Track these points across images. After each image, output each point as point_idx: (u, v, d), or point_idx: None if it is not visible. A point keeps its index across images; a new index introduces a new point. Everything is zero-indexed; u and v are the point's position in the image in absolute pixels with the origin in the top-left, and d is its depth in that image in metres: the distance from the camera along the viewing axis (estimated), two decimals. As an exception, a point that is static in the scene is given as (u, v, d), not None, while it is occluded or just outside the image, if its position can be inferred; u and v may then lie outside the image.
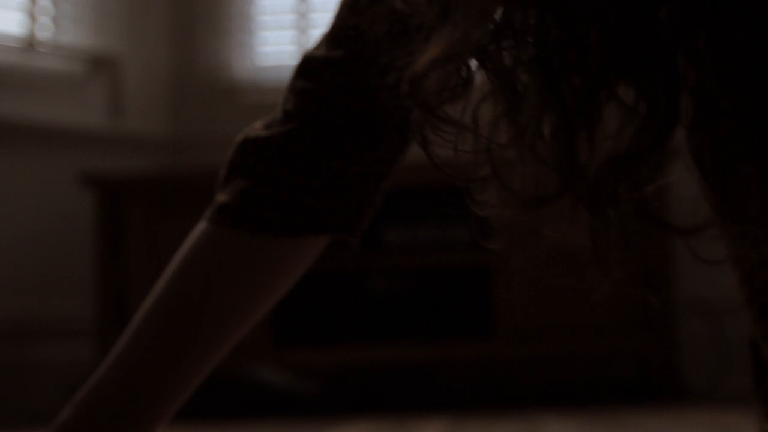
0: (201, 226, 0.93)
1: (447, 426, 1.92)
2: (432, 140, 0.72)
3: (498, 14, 0.61)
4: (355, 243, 0.92)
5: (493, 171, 0.70)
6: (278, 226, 0.89)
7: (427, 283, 2.54)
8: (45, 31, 2.80)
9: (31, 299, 2.70)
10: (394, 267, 2.50)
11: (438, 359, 2.52)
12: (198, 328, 0.90)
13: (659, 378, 2.39)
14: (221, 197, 0.92)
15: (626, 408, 2.12)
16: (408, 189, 2.57)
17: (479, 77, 0.68)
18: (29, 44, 2.77)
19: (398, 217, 2.55)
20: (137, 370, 0.88)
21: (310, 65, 0.93)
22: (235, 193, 0.91)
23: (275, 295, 0.94)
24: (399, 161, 0.95)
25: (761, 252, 0.81)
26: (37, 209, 2.74)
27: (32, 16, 2.77)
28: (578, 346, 2.43)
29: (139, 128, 2.95)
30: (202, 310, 0.90)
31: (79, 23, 2.87)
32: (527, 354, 2.43)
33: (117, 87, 2.91)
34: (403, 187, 2.56)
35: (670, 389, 2.37)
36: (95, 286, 2.51)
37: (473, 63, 0.68)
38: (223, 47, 3.04)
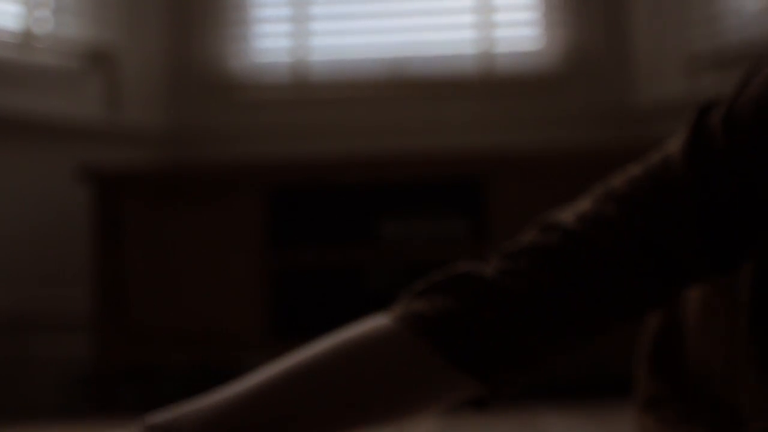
0: (383, 320, 0.92)
1: (443, 420, 1.92)
2: None
3: None
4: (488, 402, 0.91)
5: None
6: (459, 354, 0.87)
7: (422, 277, 2.54)
8: (42, 25, 2.79)
9: (28, 293, 2.70)
10: (390, 260, 2.51)
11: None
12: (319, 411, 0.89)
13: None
14: (420, 304, 0.91)
15: (622, 401, 2.12)
16: (404, 183, 2.57)
17: None
18: (26, 38, 2.77)
19: (394, 211, 2.55)
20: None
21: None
22: (438, 308, 0.89)
23: (395, 417, 0.91)
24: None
25: None
26: (35, 203, 2.74)
27: (29, 10, 2.77)
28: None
29: (137, 122, 2.95)
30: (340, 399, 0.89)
31: (77, 17, 2.86)
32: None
33: (114, 81, 2.91)
34: (401, 181, 2.56)
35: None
36: (92, 280, 2.51)
37: None
38: (221, 41, 3.04)
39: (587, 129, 2.90)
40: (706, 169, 0.83)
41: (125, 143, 2.90)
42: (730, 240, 0.83)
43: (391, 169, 2.54)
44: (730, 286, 0.95)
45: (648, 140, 2.75)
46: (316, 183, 2.55)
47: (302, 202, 2.57)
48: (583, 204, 0.95)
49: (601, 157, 2.50)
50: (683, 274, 0.85)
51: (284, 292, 2.51)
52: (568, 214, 0.94)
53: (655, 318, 1.10)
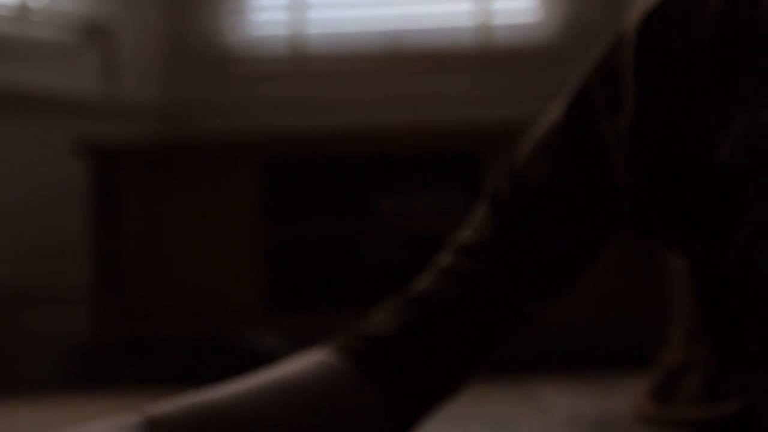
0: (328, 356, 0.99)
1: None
2: None
3: None
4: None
5: None
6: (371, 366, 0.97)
7: (422, 250, 2.54)
8: (38, -2, 2.78)
9: (26, 267, 2.70)
10: (389, 233, 2.51)
11: (433, 326, 2.52)
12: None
13: (654, 344, 2.39)
14: (363, 345, 1.01)
15: (621, 374, 2.13)
16: (402, 156, 2.56)
17: None
18: (22, 11, 2.75)
19: (393, 184, 2.54)
20: None
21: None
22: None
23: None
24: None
25: None
26: (32, 177, 2.74)
27: (25, -17, 2.76)
28: (573, 312, 2.43)
29: (134, 96, 2.94)
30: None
31: (72, -10, 2.85)
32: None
33: (111, 54, 2.90)
34: (399, 154, 2.56)
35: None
36: (89, 254, 2.51)
37: None
38: (218, 14, 3.03)
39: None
40: (508, 237, 1.00)
41: (122, 117, 2.90)
42: (557, 269, 0.99)
43: (389, 142, 2.53)
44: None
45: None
46: (314, 156, 2.54)
47: (300, 176, 2.56)
48: (444, 257, 1.09)
49: (599, 130, 2.50)
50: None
51: (282, 265, 2.51)
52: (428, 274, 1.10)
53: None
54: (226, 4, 3.03)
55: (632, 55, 0.92)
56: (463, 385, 1.01)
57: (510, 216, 1.02)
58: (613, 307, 2.43)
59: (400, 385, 0.94)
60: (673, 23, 0.91)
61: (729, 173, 0.81)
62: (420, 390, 0.94)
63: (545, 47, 2.96)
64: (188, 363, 2.84)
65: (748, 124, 0.81)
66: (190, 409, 0.88)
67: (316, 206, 2.55)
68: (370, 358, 0.93)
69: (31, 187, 2.73)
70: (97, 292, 2.49)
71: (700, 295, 1.02)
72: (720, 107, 0.84)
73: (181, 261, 2.50)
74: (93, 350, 2.48)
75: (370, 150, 2.53)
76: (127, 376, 2.66)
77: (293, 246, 2.53)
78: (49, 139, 2.74)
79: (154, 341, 2.75)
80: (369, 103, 2.94)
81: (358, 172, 2.57)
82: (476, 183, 2.50)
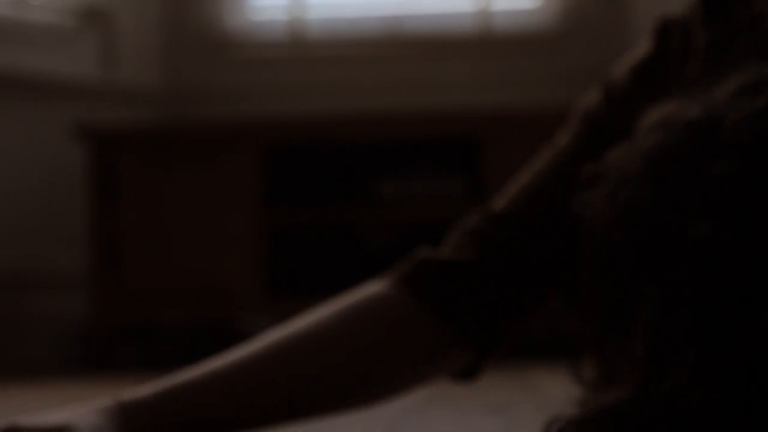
0: (378, 285, 0.93)
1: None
2: None
3: None
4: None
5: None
6: (449, 309, 0.89)
7: (420, 236, 2.55)
8: (37, -18, 2.77)
9: (24, 252, 2.70)
10: (388, 219, 2.51)
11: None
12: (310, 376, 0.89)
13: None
14: (428, 271, 0.92)
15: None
16: (402, 142, 2.56)
17: None
18: (21, -5, 2.75)
19: (392, 170, 2.55)
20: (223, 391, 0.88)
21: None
22: (430, 269, 0.92)
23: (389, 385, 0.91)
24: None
25: None
26: (31, 162, 2.73)
27: (24, -33, 2.75)
28: (570, 298, 2.44)
29: (133, 80, 2.93)
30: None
31: (72, -26, 2.84)
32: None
33: (110, 39, 2.90)
34: (398, 140, 2.56)
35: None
36: (89, 239, 2.52)
37: None
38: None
39: (584, 88, 2.88)
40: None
41: (121, 102, 2.89)
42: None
43: (388, 127, 2.53)
44: None
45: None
46: (313, 142, 2.54)
47: (299, 161, 2.57)
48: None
49: (598, 117, 2.50)
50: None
51: (281, 250, 2.52)
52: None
53: None
54: (225, -12, 3.02)
55: None
56: (528, 315, 0.94)
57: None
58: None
59: (462, 309, 0.89)
60: None
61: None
62: (482, 317, 0.89)
63: (544, 33, 2.95)
64: (187, 347, 2.85)
65: None
66: (162, 392, 0.87)
67: (315, 191, 2.55)
68: (431, 285, 0.90)
69: (30, 172, 2.73)
70: (95, 277, 2.49)
71: None
72: None
73: (180, 246, 2.50)
74: (92, 335, 2.49)
75: (370, 135, 2.53)
76: (126, 360, 2.67)
77: (292, 231, 2.53)
78: (48, 124, 2.74)
79: (153, 326, 2.75)
80: (368, 89, 2.94)
81: (358, 158, 2.57)
82: (475, 169, 2.51)
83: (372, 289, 0.92)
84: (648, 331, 0.68)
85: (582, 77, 2.91)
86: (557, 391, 1.59)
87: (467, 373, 0.91)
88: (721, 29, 0.88)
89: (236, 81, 2.99)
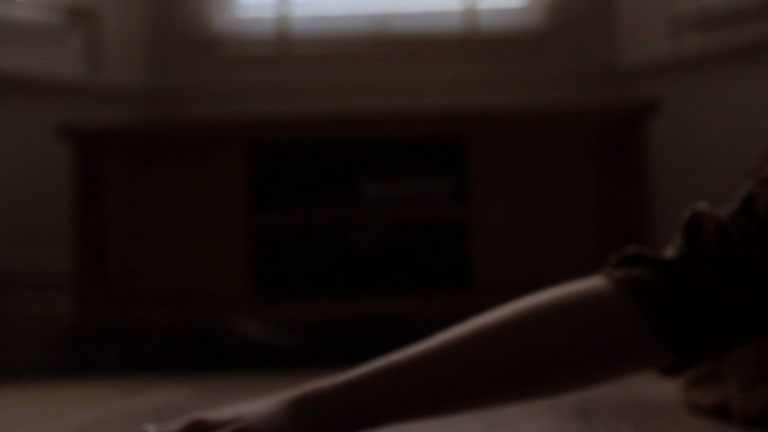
0: (597, 280, 0.90)
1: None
2: None
3: None
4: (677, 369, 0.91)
5: None
6: (667, 322, 0.86)
7: (406, 236, 2.55)
8: (21, -19, 2.76)
9: (8, 252, 2.69)
10: (374, 220, 2.50)
11: (417, 312, 2.53)
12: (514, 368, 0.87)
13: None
14: (636, 270, 0.88)
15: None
16: (388, 142, 2.56)
17: None
18: (5, -6, 2.73)
19: (378, 171, 2.54)
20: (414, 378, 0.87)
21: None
22: (653, 275, 0.87)
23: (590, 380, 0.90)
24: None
25: None
26: (15, 161, 2.72)
27: (8, -35, 2.73)
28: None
29: (118, 80, 2.92)
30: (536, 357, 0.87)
31: (56, -27, 2.83)
32: (506, 307, 2.44)
33: (95, 38, 2.89)
34: (384, 140, 2.55)
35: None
36: (73, 239, 2.51)
37: None
38: (202, -2, 3.01)
39: (570, 89, 2.90)
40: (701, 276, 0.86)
41: (107, 101, 2.88)
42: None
43: (374, 127, 2.53)
44: None
45: (631, 100, 2.74)
46: (299, 142, 2.54)
47: (285, 161, 2.56)
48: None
49: (583, 117, 2.50)
50: None
51: (267, 251, 2.51)
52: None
53: None
54: (211, -13, 3.01)
55: None
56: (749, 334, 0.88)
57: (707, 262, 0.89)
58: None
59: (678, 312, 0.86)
60: None
61: None
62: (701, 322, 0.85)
63: (530, 33, 2.95)
64: (172, 349, 2.84)
65: None
66: (348, 381, 0.87)
67: (301, 192, 2.55)
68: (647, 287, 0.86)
69: (14, 171, 2.72)
70: (80, 278, 2.48)
71: None
72: None
73: (165, 246, 2.49)
74: (76, 336, 2.48)
75: (356, 135, 2.52)
76: (111, 361, 2.66)
77: (278, 231, 2.52)
78: (32, 123, 2.73)
79: (138, 327, 2.74)
80: (355, 88, 2.94)
81: (344, 158, 2.56)
82: (461, 169, 2.50)
83: (587, 283, 0.90)
84: None
85: (567, 77, 2.91)
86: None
87: (668, 371, 0.91)
88: None
89: (222, 80, 2.98)
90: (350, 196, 2.53)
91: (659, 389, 1.61)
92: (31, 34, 2.76)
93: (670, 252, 0.88)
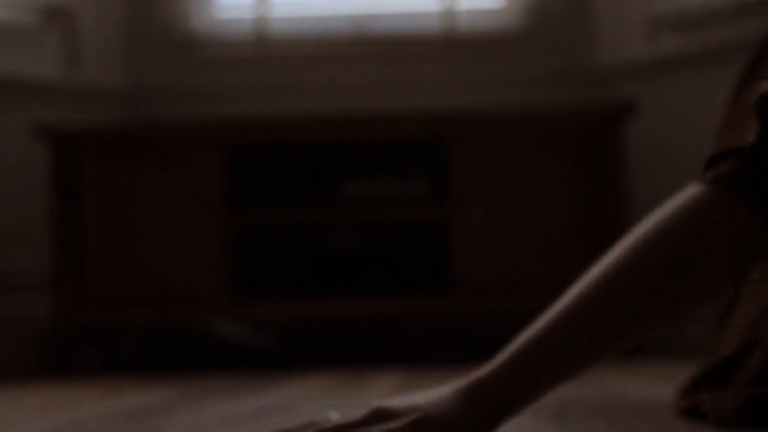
0: (696, 188, 0.92)
1: (404, 379, 1.93)
2: None
3: None
4: None
5: None
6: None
7: (385, 237, 2.55)
8: (-2, -19, 2.75)
9: (-14, 252, 2.67)
10: (353, 221, 2.51)
11: (396, 313, 2.53)
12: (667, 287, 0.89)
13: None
14: (730, 166, 0.91)
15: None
16: (366, 143, 2.56)
17: None
18: (-18, -6, 2.72)
19: (357, 171, 2.54)
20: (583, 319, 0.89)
21: None
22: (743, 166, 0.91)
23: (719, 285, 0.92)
24: None
25: None
26: (-8, 162, 2.71)
27: (-15, -35, 2.72)
28: (535, 299, 2.44)
29: (95, 80, 2.91)
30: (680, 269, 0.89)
31: (33, -28, 2.82)
32: (484, 308, 2.45)
33: (72, 38, 2.87)
34: (362, 141, 2.56)
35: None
36: (51, 240, 2.50)
37: None
38: (181, -2, 3.00)
39: (548, 90, 2.90)
40: None
41: (84, 102, 2.87)
42: None
43: (353, 128, 2.53)
44: None
45: (608, 101, 2.76)
46: (278, 142, 2.54)
47: (263, 162, 2.56)
48: None
49: (561, 118, 2.51)
50: None
51: (245, 251, 2.51)
52: None
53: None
54: (189, -13, 3.00)
55: None
56: None
57: None
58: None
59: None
60: None
61: None
62: None
63: (508, 34, 2.96)
64: (150, 349, 2.83)
65: None
66: (511, 355, 0.90)
67: (279, 192, 2.54)
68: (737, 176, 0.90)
69: (-8, 172, 2.70)
70: (58, 279, 2.47)
71: None
72: None
73: (143, 247, 2.49)
74: (54, 337, 2.47)
75: (335, 136, 2.52)
76: (90, 362, 2.65)
77: (256, 231, 2.52)
78: (8, 123, 2.71)
79: (116, 328, 2.73)
80: (333, 89, 2.94)
81: (322, 158, 2.56)
82: (439, 170, 2.51)
83: (685, 195, 0.92)
84: None
85: (546, 78, 2.92)
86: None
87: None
88: None
89: (200, 80, 2.97)
90: (329, 196, 2.53)
91: (634, 388, 1.62)
92: (7, 34, 2.75)
93: (748, 137, 0.91)
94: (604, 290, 0.89)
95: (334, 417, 0.89)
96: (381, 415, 0.85)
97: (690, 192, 0.92)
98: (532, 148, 2.49)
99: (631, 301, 0.88)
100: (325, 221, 2.51)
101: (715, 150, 0.94)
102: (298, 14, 3.02)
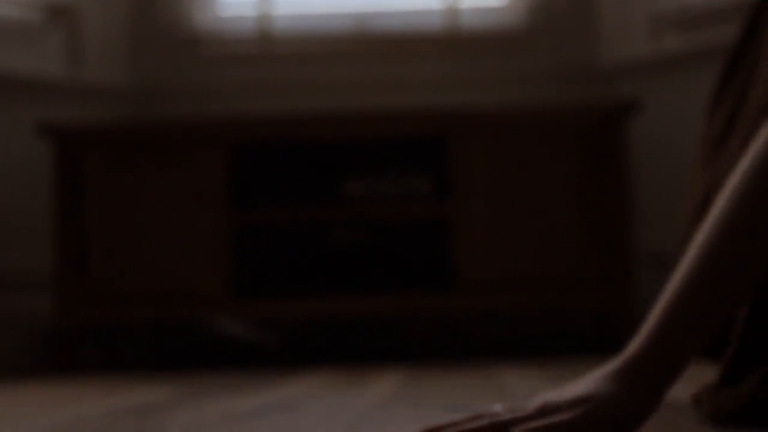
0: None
1: (405, 377, 1.93)
2: None
3: None
4: None
5: None
6: None
7: (387, 235, 2.55)
8: (1, -22, 2.75)
9: (-11, 250, 2.68)
10: (355, 219, 2.51)
11: (397, 311, 2.53)
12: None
13: (617, 331, 2.41)
14: None
15: (584, 361, 2.14)
16: (369, 141, 2.56)
17: None
18: (-15, -9, 2.72)
19: (358, 169, 2.54)
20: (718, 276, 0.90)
21: None
22: None
23: None
24: None
25: None
26: (-5, 159, 2.71)
27: (-12, -37, 2.72)
28: (536, 298, 2.45)
29: (99, 78, 2.91)
30: None
31: (36, -30, 2.82)
32: (486, 306, 2.45)
33: (76, 36, 2.88)
34: (365, 138, 2.56)
35: (628, 342, 2.39)
36: (53, 238, 2.50)
37: None
38: (184, -4, 3.01)
39: (551, 87, 2.90)
40: None
41: (87, 100, 2.87)
42: None
43: (356, 126, 2.53)
44: None
45: (611, 99, 2.75)
46: (281, 140, 2.54)
47: (266, 160, 2.56)
48: None
49: (564, 116, 2.51)
50: None
51: (248, 249, 2.51)
52: None
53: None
54: (192, -15, 3.01)
55: None
56: None
57: None
58: (575, 293, 2.44)
59: None
60: None
61: None
62: None
63: (512, 31, 2.96)
64: (153, 348, 2.83)
65: None
66: (655, 322, 0.90)
67: (283, 190, 2.55)
68: None
69: (-5, 170, 2.71)
70: (61, 277, 2.47)
71: None
72: None
73: (146, 245, 2.49)
74: (57, 335, 2.47)
75: (338, 134, 2.53)
76: (92, 361, 2.66)
77: (259, 230, 2.52)
78: (11, 121, 2.72)
79: (119, 326, 2.74)
80: (336, 86, 2.94)
81: (325, 156, 2.56)
82: (442, 167, 2.51)
83: (762, 136, 0.93)
84: None
85: (548, 76, 2.92)
86: (522, 390, 1.59)
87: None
88: None
89: (203, 78, 2.97)
90: (332, 194, 2.53)
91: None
92: (10, 31, 2.75)
93: None
94: (729, 236, 0.89)
95: (499, 408, 0.89)
96: (550, 410, 0.86)
97: (765, 133, 0.92)
98: (534, 146, 2.49)
99: (757, 239, 0.88)
100: (327, 219, 2.51)
101: None
102: (301, 12, 3.02)
